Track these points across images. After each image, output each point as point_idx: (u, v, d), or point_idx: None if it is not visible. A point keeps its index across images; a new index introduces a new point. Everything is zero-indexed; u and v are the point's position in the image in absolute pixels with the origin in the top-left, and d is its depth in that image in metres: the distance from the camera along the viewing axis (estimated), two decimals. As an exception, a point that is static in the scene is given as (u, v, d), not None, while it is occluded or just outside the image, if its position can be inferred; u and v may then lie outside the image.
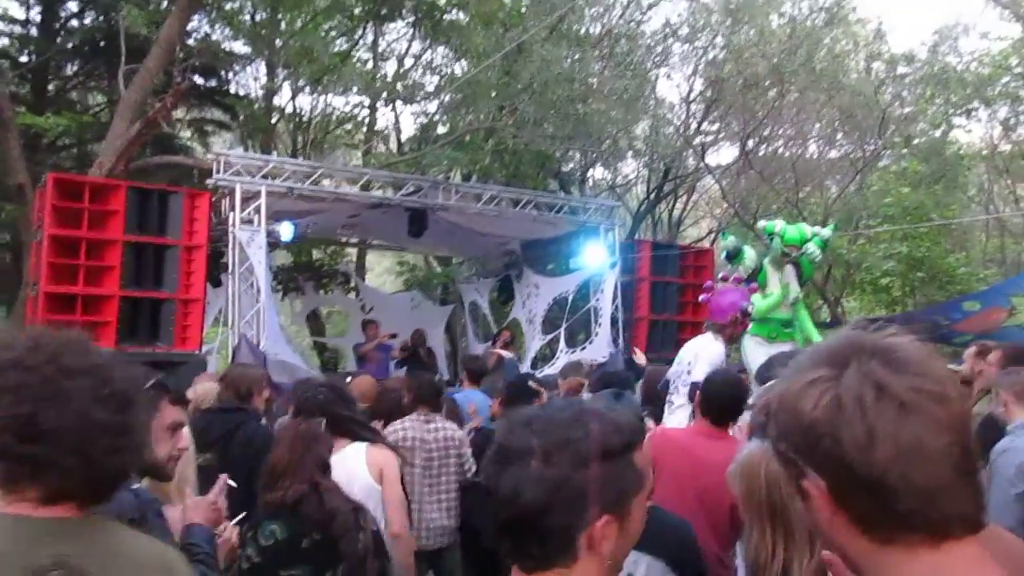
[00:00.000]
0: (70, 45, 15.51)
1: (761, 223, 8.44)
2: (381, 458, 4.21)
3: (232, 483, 2.86)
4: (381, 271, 28.84)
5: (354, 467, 4.08)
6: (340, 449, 4.02)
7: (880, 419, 1.06)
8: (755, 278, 7.85)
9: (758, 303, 7.53)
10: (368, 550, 3.32)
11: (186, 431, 2.85)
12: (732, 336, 6.85)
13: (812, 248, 8.02)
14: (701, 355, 6.27)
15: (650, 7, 17.21)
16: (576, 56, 13.14)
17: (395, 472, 4.28)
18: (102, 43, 14.78)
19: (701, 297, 7.64)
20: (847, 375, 1.10)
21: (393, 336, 12.74)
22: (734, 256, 8.07)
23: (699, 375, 5.74)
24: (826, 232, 8.44)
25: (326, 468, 3.49)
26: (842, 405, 1.08)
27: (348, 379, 10.45)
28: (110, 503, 2.35)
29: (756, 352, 7.84)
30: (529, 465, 1.36)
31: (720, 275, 8.07)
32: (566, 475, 1.35)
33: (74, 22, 15.64)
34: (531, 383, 5.68)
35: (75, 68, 16.40)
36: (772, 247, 8.11)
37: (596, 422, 1.42)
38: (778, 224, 8.23)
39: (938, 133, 19.97)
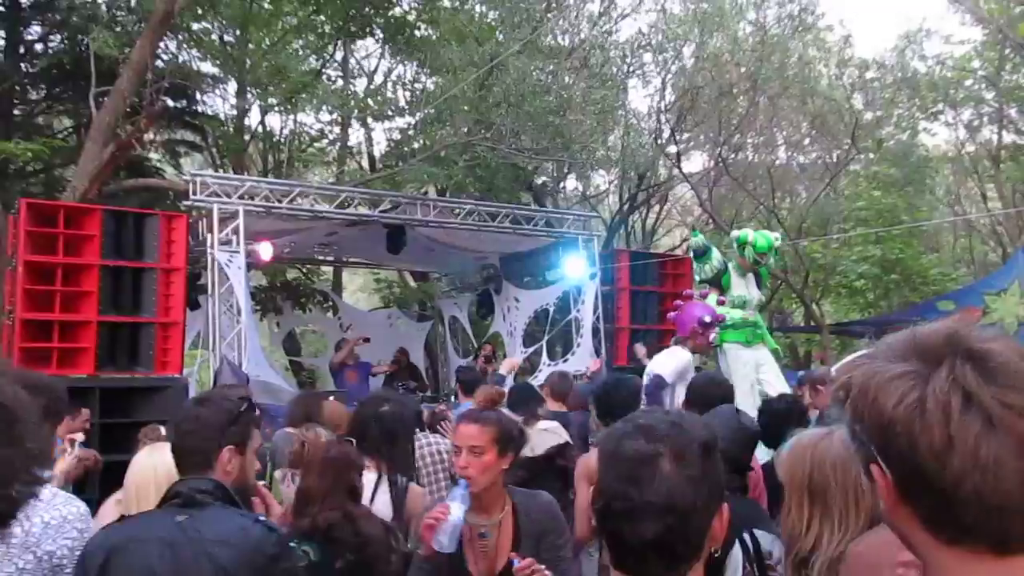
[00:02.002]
0: (35, 70, 15.32)
1: (734, 233, 8.55)
2: (417, 498, 4.20)
3: None
4: (355, 288, 28.72)
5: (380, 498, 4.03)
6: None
7: (962, 430, 1.02)
8: (719, 280, 7.98)
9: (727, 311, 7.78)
10: (400, 572, 3.31)
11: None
12: (696, 348, 7.05)
13: (771, 259, 8.27)
14: (667, 363, 6.56)
15: (622, 17, 17.33)
16: (550, 68, 13.17)
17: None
18: (68, 67, 14.62)
19: (669, 315, 7.80)
20: (937, 376, 1.06)
21: (366, 340, 12.66)
22: (701, 255, 8.18)
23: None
24: (777, 243, 8.63)
25: (356, 494, 3.47)
26: (926, 409, 1.04)
27: (331, 398, 10.47)
28: (249, 539, 2.29)
29: (735, 361, 7.97)
30: (664, 470, 1.37)
31: (699, 292, 8.16)
32: (703, 470, 1.40)
33: (39, 46, 15.47)
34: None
35: (42, 93, 16.22)
36: (744, 255, 8.22)
37: (693, 419, 1.51)
38: (749, 234, 8.39)
39: (906, 136, 20.27)
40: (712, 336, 7.26)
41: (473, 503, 3.04)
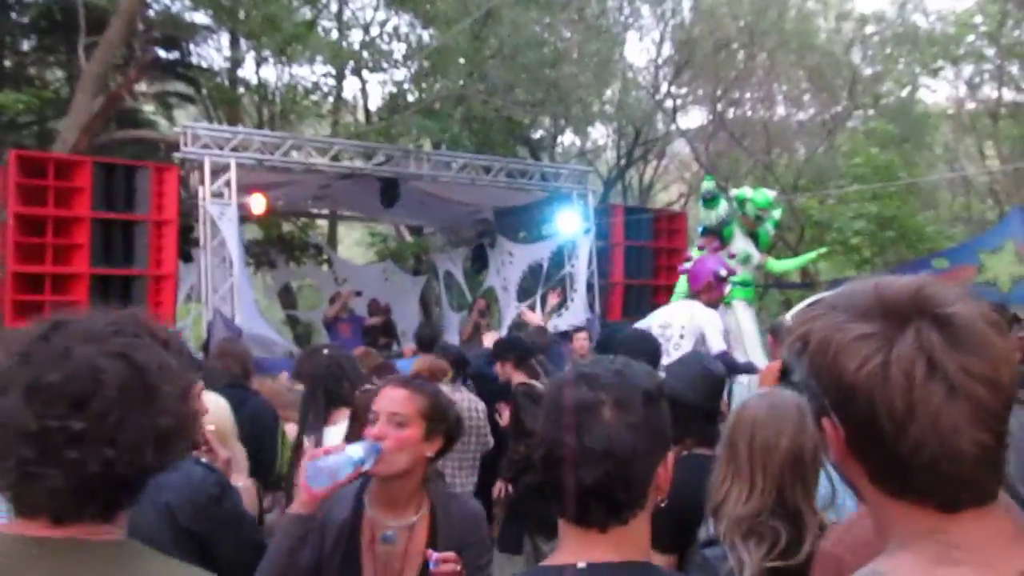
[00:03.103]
0: (25, 20, 15.12)
1: (732, 192, 8.55)
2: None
3: None
4: (351, 243, 28.65)
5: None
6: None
7: (925, 398, 1.01)
8: (722, 230, 7.97)
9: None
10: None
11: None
12: (709, 301, 6.89)
13: (768, 226, 8.25)
14: (705, 325, 6.29)
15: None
16: (546, 20, 13.01)
17: None
18: (59, 17, 14.42)
19: (680, 268, 7.93)
20: (902, 340, 1.03)
21: (358, 294, 12.68)
22: (710, 199, 8.17)
23: (716, 345, 6.05)
24: (777, 213, 8.65)
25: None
26: (889, 376, 1.02)
27: (324, 351, 10.50)
28: (191, 481, 2.30)
29: (747, 316, 8.01)
30: (605, 417, 1.38)
31: (697, 244, 8.18)
32: (645, 419, 1.40)
33: (29, -4, 15.26)
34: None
35: (32, 44, 16.03)
36: (746, 213, 8.21)
37: (638, 368, 1.48)
38: (747, 191, 8.40)
39: (905, 93, 20.10)
40: (726, 290, 7.26)
41: (379, 494, 2.48)
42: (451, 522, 2.49)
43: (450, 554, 2.25)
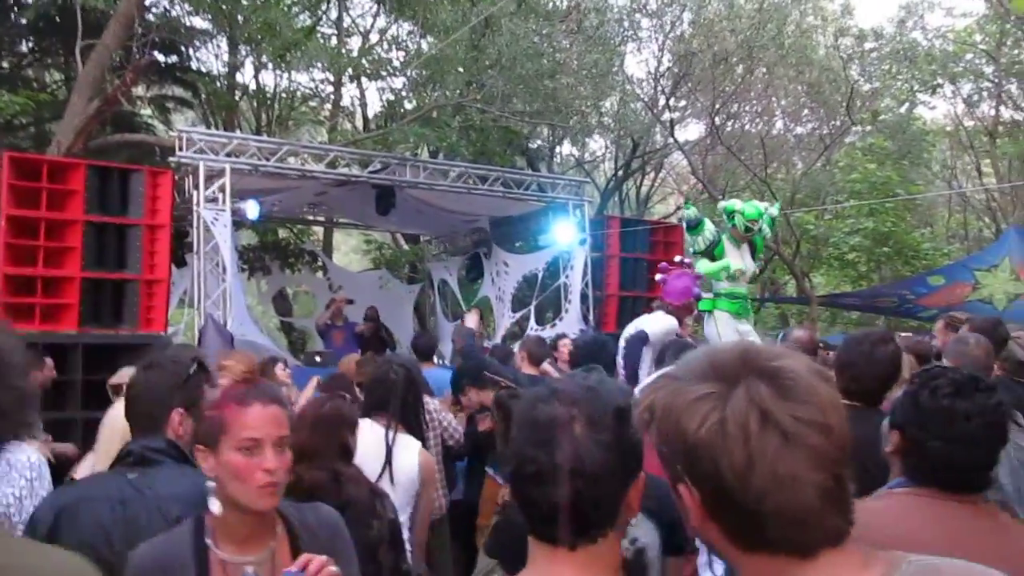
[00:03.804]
0: (23, 21, 15.10)
1: (721, 204, 8.53)
2: (429, 464, 4.20)
3: None
4: (347, 250, 28.66)
5: (407, 459, 4.04)
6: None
7: (761, 448, 1.06)
8: (712, 250, 7.97)
9: (705, 266, 7.91)
10: (383, 539, 3.15)
11: None
12: (679, 313, 7.46)
13: (763, 225, 8.19)
14: (652, 323, 6.83)
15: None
16: (544, 30, 13.02)
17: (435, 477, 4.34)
18: (57, 19, 14.41)
19: (657, 277, 8.18)
20: (735, 397, 1.09)
21: (350, 302, 12.65)
22: (694, 227, 8.17)
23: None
24: (773, 210, 8.63)
25: (348, 454, 3.32)
26: (726, 431, 1.08)
27: (317, 358, 10.47)
28: (201, 493, 2.16)
29: (726, 328, 7.98)
30: (577, 434, 1.37)
31: (685, 259, 8.17)
32: (616, 436, 1.38)
33: (28, -3, 15.24)
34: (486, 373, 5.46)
35: (30, 45, 16.02)
36: (735, 225, 8.19)
37: (611, 385, 1.49)
38: (737, 203, 8.38)
39: (903, 109, 20.15)
40: (694, 301, 7.59)
41: (227, 531, 2.10)
42: (313, 535, 2.21)
43: (304, 557, 1.94)
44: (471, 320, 9.78)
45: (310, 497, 2.86)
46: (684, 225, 8.61)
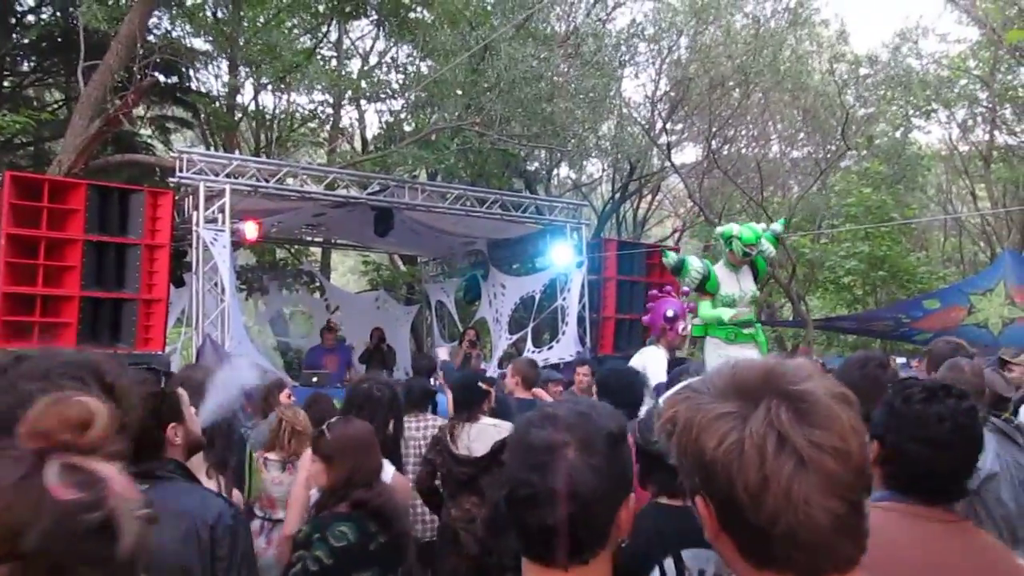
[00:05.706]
0: (26, 41, 15.21)
1: (718, 230, 8.46)
2: (403, 488, 4.23)
3: None
4: (345, 271, 28.69)
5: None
6: None
7: (776, 471, 1.08)
8: (704, 286, 7.90)
9: (703, 311, 7.83)
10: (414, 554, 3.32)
11: None
12: (671, 344, 7.64)
13: (766, 245, 8.10)
14: (647, 365, 6.72)
15: (616, 6, 17.28)
16: (543, 55, 13.12)
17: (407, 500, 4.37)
18: (59, 39, 14.52)
19: (644, 319, 8.42)
20: (754, 417, 1.11)
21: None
22: (679, 272, 8.14)
23: (654, 378, 6.20)
24: (776, 227, 8.56)
25: (380, 472, 3.48)
26: (744, 451, 1.10)
27: (314, 379, 10.48)
28: (210, 508, 2.26)
29: (712, 355, 7.91)
30: (571, 458, 1.40)
31: (683, 289, 8.17)
32: (608, 460, 1.42)
33: (30, 17, 15.34)
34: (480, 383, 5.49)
35: (31, 65, 16.11)
36: (732, 250, 8.11)
37: (603, 410, 1.52)
38: (734, 228, 8.29)
39: (898, 134, 20.28)
40: (682, 328, 7.71)
41: None
42: None
43: None
44: (443, 353, 9.81)
45: (362, 512, 3.13)
46: (671, 270, 8.55)
